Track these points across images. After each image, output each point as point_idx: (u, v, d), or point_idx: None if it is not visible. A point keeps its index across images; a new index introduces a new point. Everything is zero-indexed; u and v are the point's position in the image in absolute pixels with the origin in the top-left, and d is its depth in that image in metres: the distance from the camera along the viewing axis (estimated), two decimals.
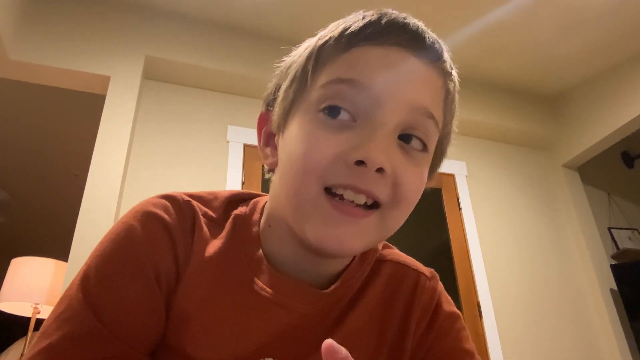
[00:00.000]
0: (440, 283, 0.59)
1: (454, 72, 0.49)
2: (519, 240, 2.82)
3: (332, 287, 0.51)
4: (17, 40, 2.17)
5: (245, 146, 2.45)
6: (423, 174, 0.46)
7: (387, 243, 0.60)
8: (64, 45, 2.24)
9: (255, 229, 0.52)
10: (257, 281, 0.49)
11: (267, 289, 0.49)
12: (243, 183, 2.37)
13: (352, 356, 0.50)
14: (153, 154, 2.28)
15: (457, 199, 2.77)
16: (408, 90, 0.44)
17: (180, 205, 0.50)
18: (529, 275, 2.73)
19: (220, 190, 0.56)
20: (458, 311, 0.58)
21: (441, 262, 2.61)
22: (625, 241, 3.08)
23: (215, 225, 0.51)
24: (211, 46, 2.50)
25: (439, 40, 0.48)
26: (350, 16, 0.47)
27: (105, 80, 2.26)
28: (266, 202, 0.54)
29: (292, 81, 0.48)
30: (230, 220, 0.52)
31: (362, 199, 0.43)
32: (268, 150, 0.52)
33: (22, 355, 2.24)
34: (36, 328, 2.28)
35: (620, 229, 3.14)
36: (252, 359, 0.47)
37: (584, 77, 3.00)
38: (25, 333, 2.34)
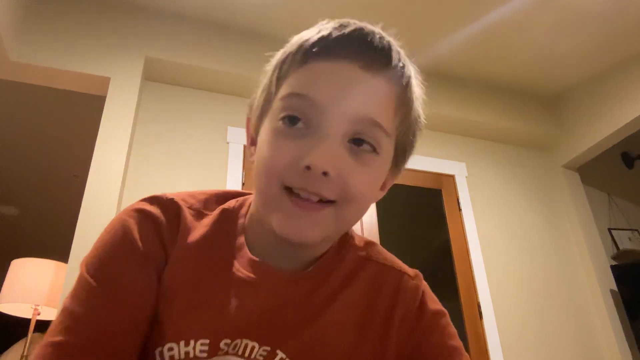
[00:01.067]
0: (424, 282, 0.61)
1: (408, 72, 0.52)
2: (519, 240, 2.82)
3: (306, 270, 0.56)
4: (17, 41, 2.17)
5: (245, 147, 2.44)
6: (372, 173, 0.51)
7: (374, 242, 0.64)
8: (64, 47, 2.24)
9: (241, 220, 0.59)
10: (236, 264, 0.55)
11: (244, 271, 0.55)
12: (243, 184, 2.37)
13: (329, 347, 0.54)
14: (153, 155, 2.28)
15: (457, 199, 2.77)
16: (352, 103, 0.48)
17: (163, 202, 0.57)
18: (529, 275, 2.73)
19: (211, 189, 0.62)
20: (444, 309, 0.60)
21: (441, 262, 2.61)
22: (625, 242, 3.08)
23: (201, 215, 0.58)
24: (211, 47, 2.50)
25: (392, 46, 0.51)
26: (311, 29, 0.52)
27: (105, 82, 2.26)
28: None
29: (262, 90, 0.55)
30: (217, 212, 0.58)
31: (315, 198, 0.48)
32: (253, 149, 0.58)
33: (22, 356, 2.24)
34: (36, 329, 2.27)
35: (620, 229, 3.14)
36: (231, 338, 0.51)
37: (584, 77, 3.00)
38: (25, 334, 2.34)
